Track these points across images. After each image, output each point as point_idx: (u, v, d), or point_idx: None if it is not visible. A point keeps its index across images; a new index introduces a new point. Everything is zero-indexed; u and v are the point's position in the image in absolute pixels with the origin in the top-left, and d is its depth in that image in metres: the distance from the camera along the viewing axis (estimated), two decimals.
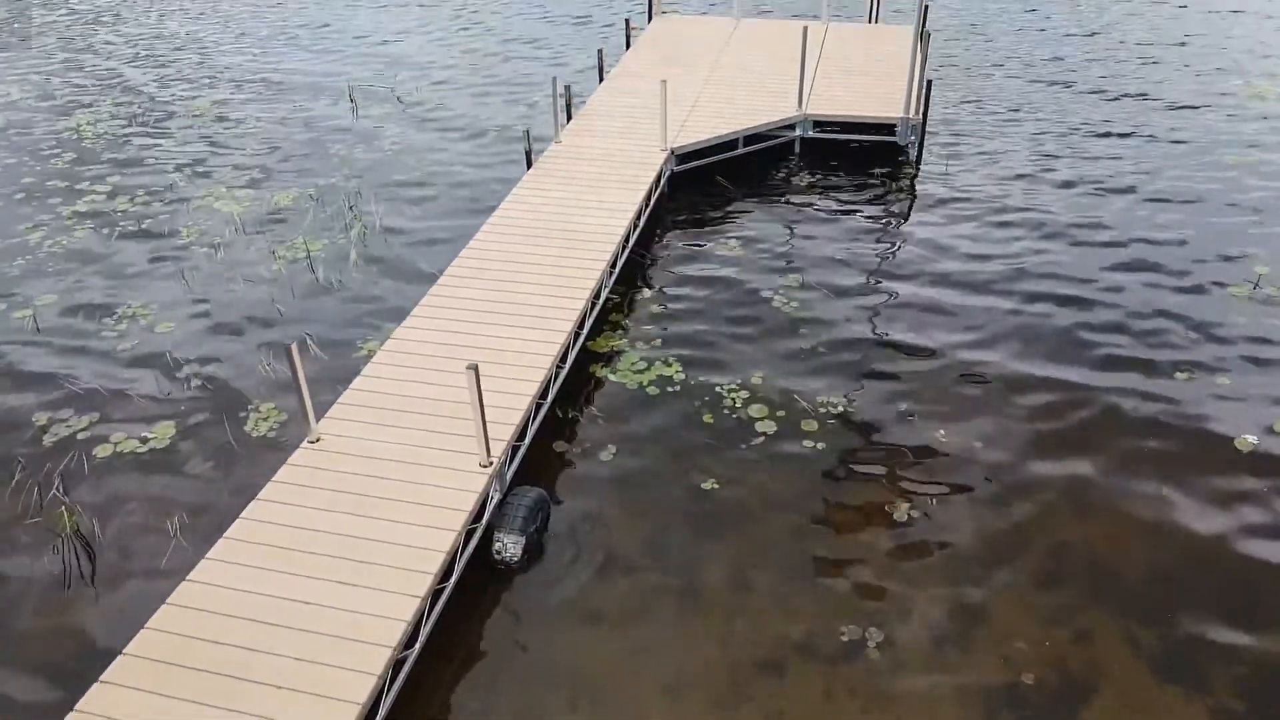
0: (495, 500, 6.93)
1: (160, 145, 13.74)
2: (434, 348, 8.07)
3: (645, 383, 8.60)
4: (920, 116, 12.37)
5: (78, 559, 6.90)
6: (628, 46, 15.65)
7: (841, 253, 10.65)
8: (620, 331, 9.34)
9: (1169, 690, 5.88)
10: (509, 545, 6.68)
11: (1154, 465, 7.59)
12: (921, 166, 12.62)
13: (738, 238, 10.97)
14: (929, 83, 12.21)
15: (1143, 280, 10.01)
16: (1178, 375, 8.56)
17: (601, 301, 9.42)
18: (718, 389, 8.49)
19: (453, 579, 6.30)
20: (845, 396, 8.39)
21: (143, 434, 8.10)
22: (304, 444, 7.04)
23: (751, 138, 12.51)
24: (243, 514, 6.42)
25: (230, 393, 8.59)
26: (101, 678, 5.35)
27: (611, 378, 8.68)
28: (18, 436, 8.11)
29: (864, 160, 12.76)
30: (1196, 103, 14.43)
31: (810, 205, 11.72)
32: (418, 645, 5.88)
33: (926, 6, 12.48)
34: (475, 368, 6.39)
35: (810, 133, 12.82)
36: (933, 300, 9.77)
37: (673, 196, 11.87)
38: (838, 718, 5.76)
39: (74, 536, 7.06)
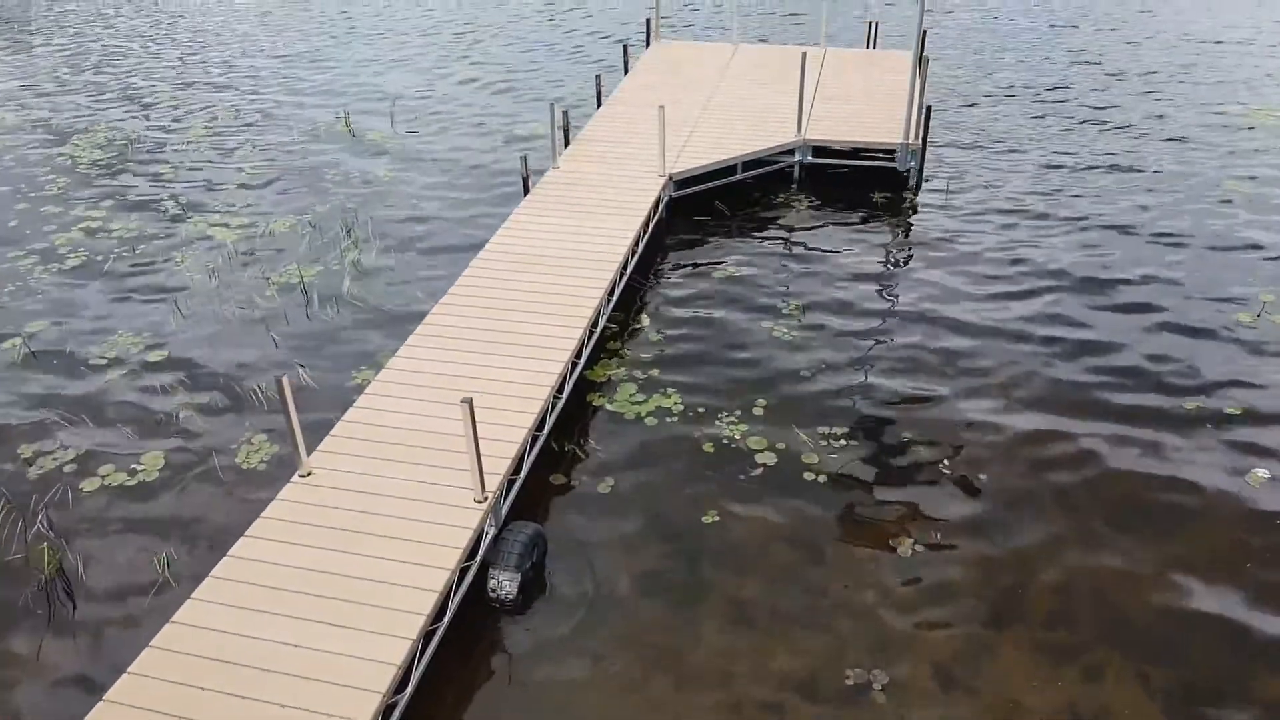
0: (490, 536, 6.76)
1: (155, 172, 13.65)
2: (428, 378, 7.93)
3: (643, 413, 8.45)
4: (920, 142, 12.30)
5: (60, 599, 6.71)
6: (626, 72, 15.63)
7: (841, 280, 10.54)
8: (618, 360, 9.20)
9: None
10: (504, 583, 6.51)
11: (1162, 501, 7.44)
12: (921, 192, 12.54)
13: (737, 264, 10.86)
14: (928, 108, 12.15)
15: (1146, 314, 9.88)
16: (1186, 408, 8.42)
17: (599, 330, 9.29)
18: (717, 420, 8.34)
19: (446, 619, 6.13)
20: (846, 427, 8.24)
21: (131, 466, 7.94)
22: (294, 478, 6.88)
23: (750, 163, 12.44)
24: (230, 552, 6.25)
25: (221, 423, 8.44)
26: None
27: (609, 408, 8.54)
28: (2, 470, 7.94)
29: (864, 186, 12.69)
30: (1197, 133, 14.38)
31: (810, 231, 11.62)
32: (409, 688, 5.70)
33: (925, 32, 12.44)
34: (469, 401, 6.24)
35: (809, 158, 12.75)
36: (934, 330, 9.64)
37: (671, 222, 11.78)
38: None
39: (57, 575, 6.88)
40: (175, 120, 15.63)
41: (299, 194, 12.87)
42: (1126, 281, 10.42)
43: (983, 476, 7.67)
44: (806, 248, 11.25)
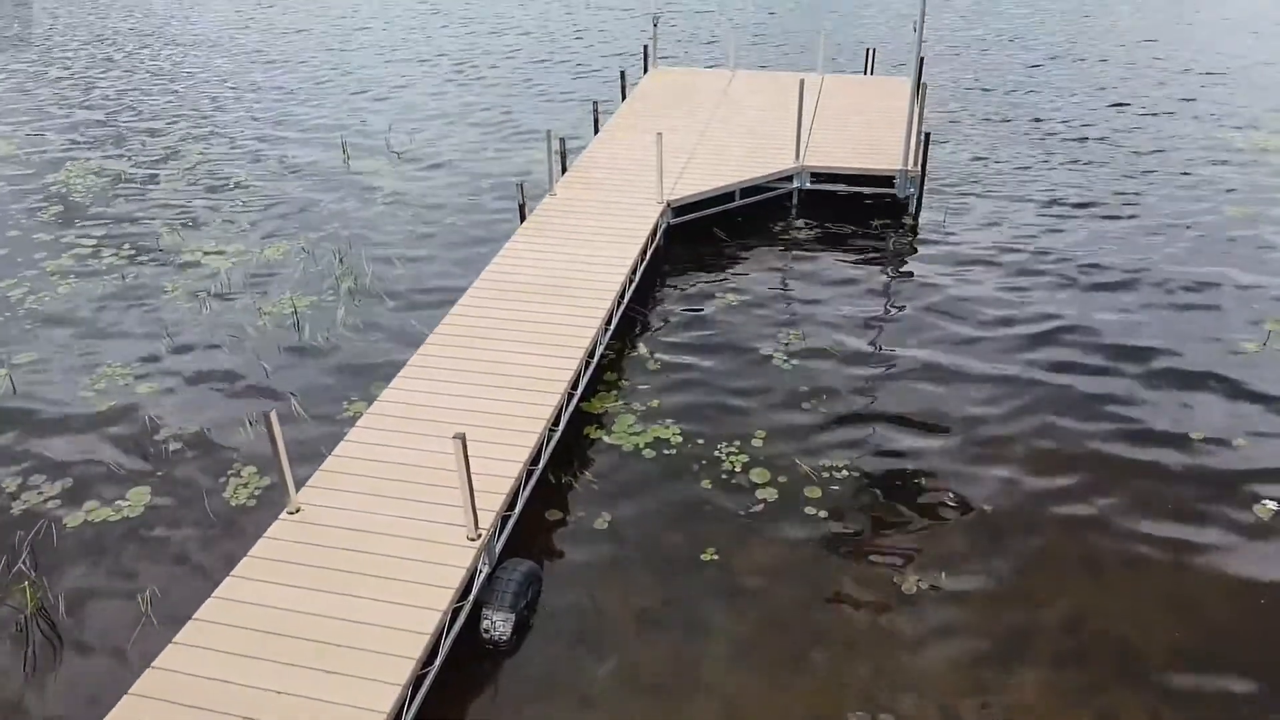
0: (484, 574, 6.58)
1: (149, 198, 13.55)
2: (421, 411, 7.77)
3: (641, 445, 8.29)
4: (919, 169, 12.22)
5: (41, 640, 6.51)
6: (623, 99, 15.58)
7: (841, 309, 10.40)
8: (615, 391, 9.04)
9: None
10: (498, 623, 6.32)
11: (1172, 534, 7.26)
12: (921, 219, 12.44)
13: (736, 293, 10.73)
14: (927, 135, 12.08)
15: (1152, 339, 9.75)
16: (1193, 438, 8.27)
17: (596, 360, 9.14)
18: (716, 452, 8.17)
19: (437, 662, 5.93)
20: (848, 460, 8.08)
21: (117, 501, 7.76)
22: (283, 515, 6.71)
23: (749, 190, 12.35)
24: (215, 593, 6.06)
25: (210, 457, 8.27)
26: None
27: (606, 440, 8.37)
28: None
29: (863, 213, 12.59)
30: (1206, 158, 14.31)
31: (809, 259, 11.50)
32: None
33: (923, 59, 12.39)
34: (462, 437, 6.08)
35: (808, 184, 12.66)
36: (935, 357, 9.50)
37: (669, 250, 11.66)
38: None
39: (38, 614, 6.68)
40: (171, 145, 15.54)
41: (294, 220, 12.75)
42: (1127, 296, 10.32)
43: (988, 510, 7.50)
44: (806, 276, 11.13)
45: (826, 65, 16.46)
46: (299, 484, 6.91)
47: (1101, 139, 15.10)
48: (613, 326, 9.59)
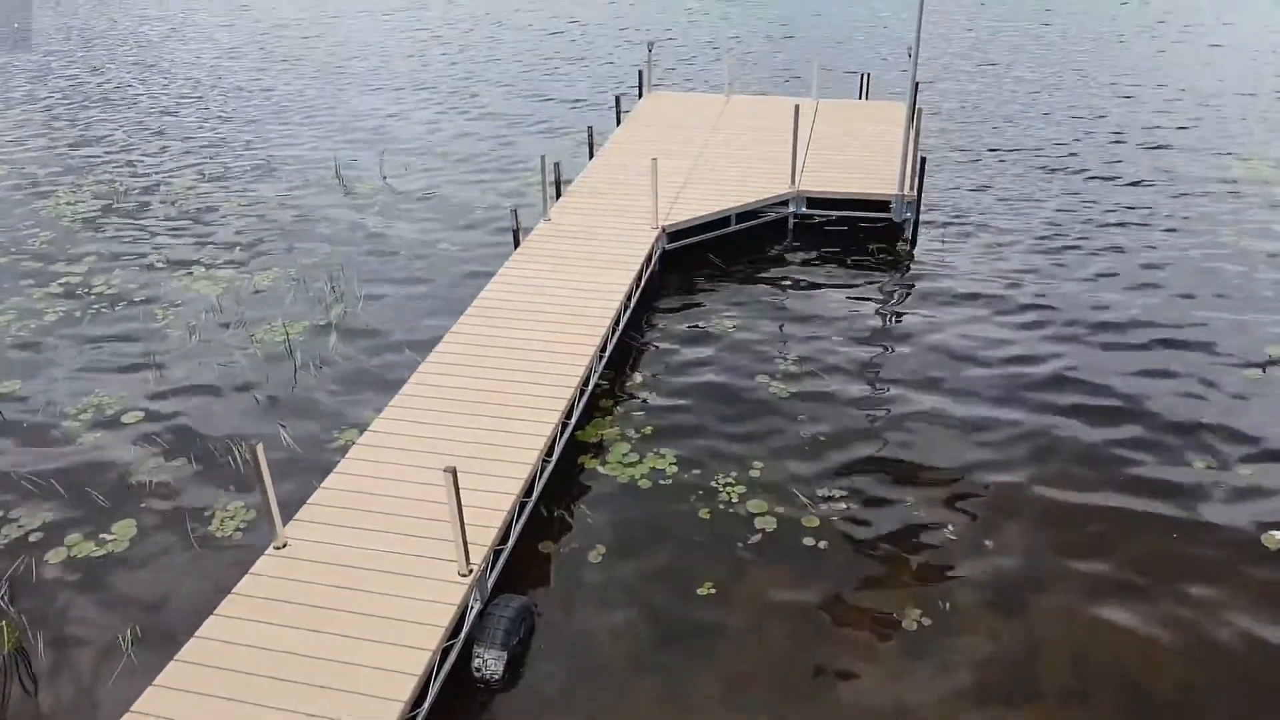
0: (475, 611, 6.41)
1: (140, 224, 13.44)
2: (412, 441, 7.62)
3: (637, 475, 8.14)
4: (915, 193, 12.15)
5: (18, 680, 6.32)
6: (618, 123, 15.54)
7: (838, 336, 10.29)
8: (610, 420, 8.90)
9: None
10: (490, 661, 6.15)
11: (1177, 567, 7.12)
12: (918, 244, 12.36)
13: (732, 319, 10.62)
14: (923, 159, 12.02)
15: (1152, 370, 9.62)
16: (1197, 468, 8.14)
17: (590, 388, 9.00)
18: (713, 482, 8.03)
19: (427, 703, 5.76)
20: (847, 490, 7.94)
21: (100, 535, 7.58)
22: (269, 550, 6.54)
23: (744, 215, 12.27)
24: (198, 632, 5.89)
25: (196, 488, 8.10)
26: None
27: (601, 470, 8.22)
28: None
29: (859, 237, 12.51)
30: (1202, 187, 14.27)
31: (805, 284, 11.40)
32: None
33: (918, 84, 12.36)
34: (453, 471, 5.93)
35: (804, 209, 12.59)
36: (935, 387, 9.38)
37: (664, 275, 11.56)
38: None
39: (15, 654, 6.49)
40: (164, 171, 15.46)
41: (287, 246, 12.64)
42: (1125, 328, 10.21)
43: (989, 543, 7.36)
44: (802, 301, 11.02)
45: (821, 90, 16.45)
46: (286, 517, 6.74)
47: (1101, 167, 15.07)
48: (608, 354, 9.46)
